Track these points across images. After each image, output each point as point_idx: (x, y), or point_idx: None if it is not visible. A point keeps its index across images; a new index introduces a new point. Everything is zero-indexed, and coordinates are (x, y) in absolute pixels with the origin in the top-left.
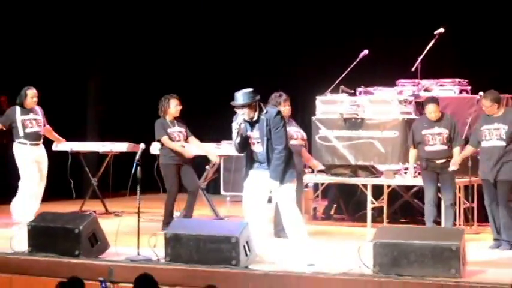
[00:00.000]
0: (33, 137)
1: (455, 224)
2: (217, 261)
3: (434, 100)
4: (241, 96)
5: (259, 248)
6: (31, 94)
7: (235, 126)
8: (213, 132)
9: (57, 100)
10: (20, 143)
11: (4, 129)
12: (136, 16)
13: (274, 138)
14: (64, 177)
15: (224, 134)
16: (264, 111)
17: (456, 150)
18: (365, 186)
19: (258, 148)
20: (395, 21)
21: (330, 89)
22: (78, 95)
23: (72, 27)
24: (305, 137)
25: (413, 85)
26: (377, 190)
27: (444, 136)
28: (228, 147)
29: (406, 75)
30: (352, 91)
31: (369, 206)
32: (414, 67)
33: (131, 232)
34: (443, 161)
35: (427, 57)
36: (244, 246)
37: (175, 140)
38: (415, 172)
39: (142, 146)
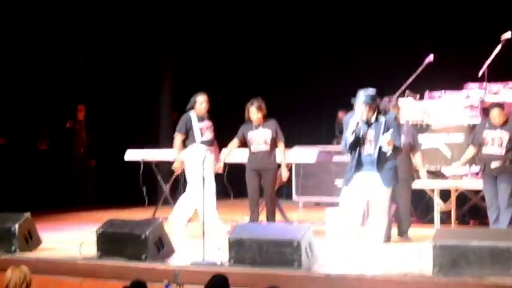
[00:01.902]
0: (209, 144)
1: None
2: (280, 264)
3: (498, 105)
4: (363, 95)
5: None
6: (200, 100)
7: (352, 123)
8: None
9: (132, 109)
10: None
11: (182, 138)
12: (207, 22)
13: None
14: (137, 185)
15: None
16: (383, 113)
17: None
18: (432, 190)
19: (370, 150)
20: (462, 25)
21: (397, 94)
22: (152, 105)
23: (144, 36)
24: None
25: (481, 88)
26: (446, 194)
27: (504, 140)
28: (296, 154)
29: (474, 79)
30: (418, 95)
31: (436, 209)
32: (481, 72)
33: (198, 237)
34: (498, 164)
35: (494, 61)
36: (305, 249)
37: (253, 143)
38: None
39: None
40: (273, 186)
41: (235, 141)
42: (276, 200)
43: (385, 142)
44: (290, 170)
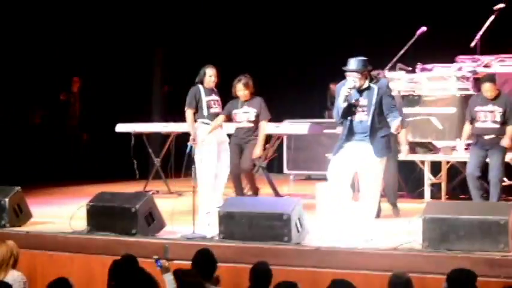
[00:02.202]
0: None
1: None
2: (270, 238)
3: (490, 79)
4: (354, 62)
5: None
6: (210, 72)
7: (344, 90)
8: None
9: (123, 81)
10: (203, 122)
11: (193, 112)
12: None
13: (388, 105)
14: (128, 158)
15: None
16: (374, 80)
17: (509, 128)
18: (423, 163)
19: (362, 117)
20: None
21: (387, 67)
22: (144, 77)
23: (137, 7)
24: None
25: (473, 61)
26: (436, 167)
27: (497, 114)
28: (288, 126)
29: (466, 52)
30: (410, 68)
31: (427, 182)
32: (473, 43)
33: (188, 211)
34: (492, 136)
35: (487, 33)
36: (296, 223)
37: (236, 121)
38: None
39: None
40: (250, 160)
41: (221, 118)
42: (267, 174)
43: (395, 127)
44: (281, 143)
